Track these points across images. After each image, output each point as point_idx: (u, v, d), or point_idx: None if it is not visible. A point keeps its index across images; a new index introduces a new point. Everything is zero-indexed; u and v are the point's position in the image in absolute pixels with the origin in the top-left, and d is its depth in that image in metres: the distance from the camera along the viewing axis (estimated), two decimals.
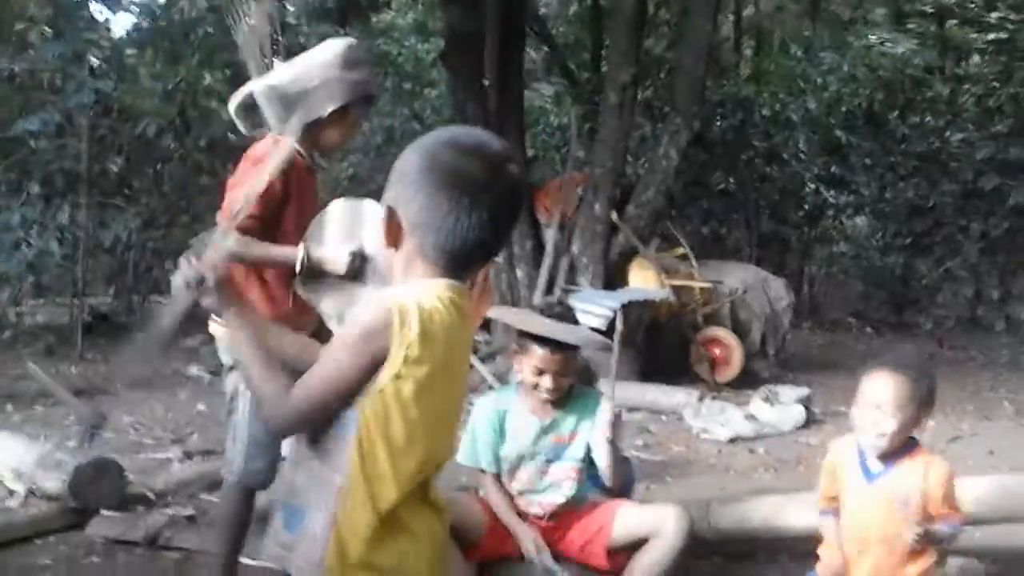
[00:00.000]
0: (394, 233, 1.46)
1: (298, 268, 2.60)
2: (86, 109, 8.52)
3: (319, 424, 1.42)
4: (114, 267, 12.05)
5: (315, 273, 2.62)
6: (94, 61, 9.20)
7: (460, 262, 1.45)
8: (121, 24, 32.52)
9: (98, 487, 3.69)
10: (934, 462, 2.56)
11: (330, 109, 2.68)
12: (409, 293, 1.41)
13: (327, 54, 2.73)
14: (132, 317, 11.61)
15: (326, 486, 1.39)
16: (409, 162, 1.46)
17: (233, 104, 2.81)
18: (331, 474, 1.39)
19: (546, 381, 2.77)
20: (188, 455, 4.82)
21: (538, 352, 2.75)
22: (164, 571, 3.25)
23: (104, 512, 3.66)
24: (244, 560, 3.28)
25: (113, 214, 9.97)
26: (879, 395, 2.53)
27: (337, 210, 2.74)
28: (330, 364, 1.40)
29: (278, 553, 1.44)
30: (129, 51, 10.65)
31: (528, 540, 2.78)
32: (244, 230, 2.50)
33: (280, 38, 2.85)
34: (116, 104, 9.41)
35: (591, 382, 3.34)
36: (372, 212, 2.67)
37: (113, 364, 4.98)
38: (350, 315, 1.44)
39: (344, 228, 2.69)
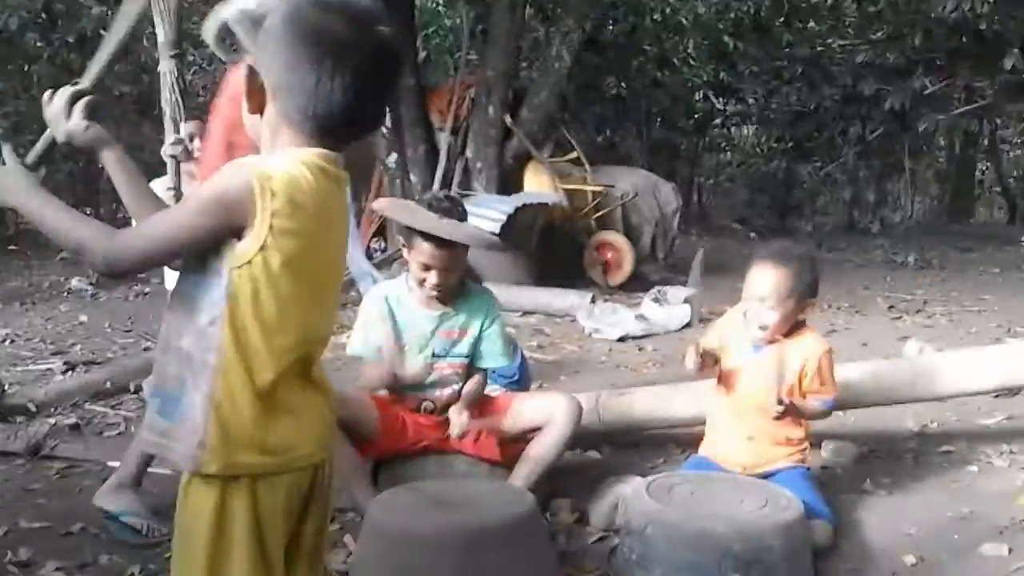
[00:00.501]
0: (256, 97, 1.39)
1: None
2: None
3: (148, 269, 1.40)
4: None
5: None
6: None
7: (328, 129, 1.37)
8: None
9: None
10: (814, 339, 2.71)
11: None
12: (273, 161, 1.35)
13: None
14: (4, 230, 11.05)
15: (200, 367, 1.34)
16: (272, 20, 1.37)
17: (209, 35, 2.67)
18: (203, 354, 1.34)
19: (432, 277, 2.75)
20: (70, 366, 4.66)
21: (424, 247, 2.72)
22: (47, 481, 3.16)
23: None
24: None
25: None
26: (762, 288, 2.64)
27: None
28: (178, 216, 1.35)
29: (157, 442, 1.39)
30: None
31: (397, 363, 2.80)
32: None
33: None
34: None
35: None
36: None
37: None
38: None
39: None
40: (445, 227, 2.70)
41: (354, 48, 1.34)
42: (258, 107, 1.40)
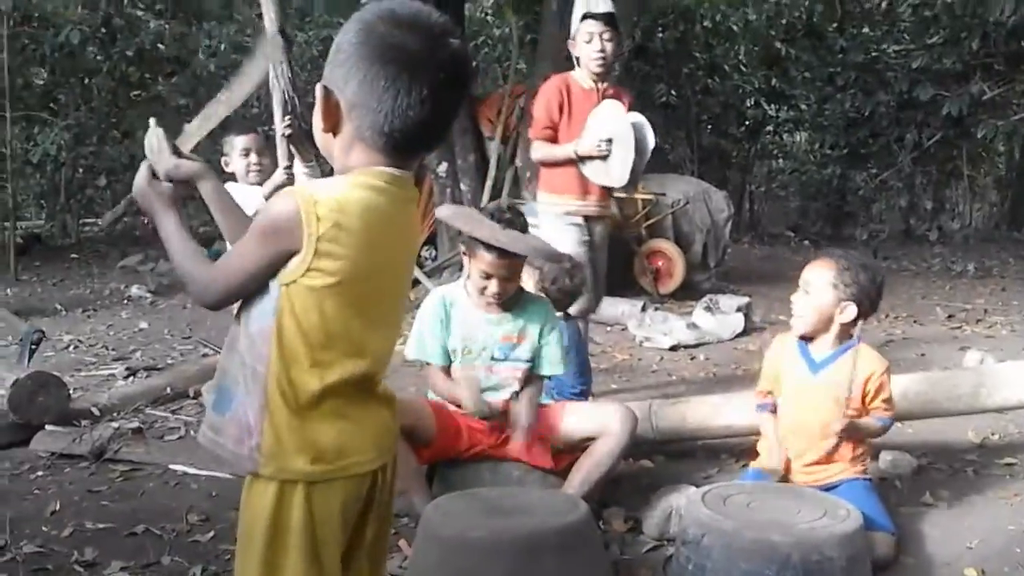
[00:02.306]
0: (332, 116, 1.39)
1: None
2: (4, 17, 8.11)
3: (235, 301, 1.43)
4: (45, 187, 11.72)
5: None
6: None
7: (401, 145, 1.38)
8: None
9: (39, 402, 3.64)
10: (871, 358, 2.68)
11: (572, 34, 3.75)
12: (324, 185, 1.37)
13: None
14: (67, 239, 11.34)
15: (252, 374, 1.39)
16: (344, 38, 1.38)
17: None
18: (254, 362, 1.39)
19: (492, 285, 2.79)
20: (132, 372, 4.77)
21: (486, 257, 2.76)
22: (111, 484, 3.24)
23: (48, 427, 3.63)
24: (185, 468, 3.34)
25: (40, 129, 9.63)
26: (807, 274, 2.68)
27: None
28: (243, 250, 1.39)
29: (210, 438, 1.45)
30: None
31: (468, 396, 2.81)
32: (542, 139, 3.74)
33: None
34: (36, 12, 8.99)
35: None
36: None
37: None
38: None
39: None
40: (507, 238, 2.72)
41: (429, 62, 1.34)
42: (333, 126, 1.40)
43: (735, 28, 12.36)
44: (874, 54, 12.12)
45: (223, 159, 3.86)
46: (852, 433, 2.64)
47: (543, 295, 3.27)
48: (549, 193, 3.84)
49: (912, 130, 11.78)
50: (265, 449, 1.38)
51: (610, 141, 3.64)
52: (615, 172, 3.69)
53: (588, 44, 3.71)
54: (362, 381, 1.44)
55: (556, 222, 3.81)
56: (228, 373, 1.43)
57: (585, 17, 3.71)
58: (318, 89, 1.39)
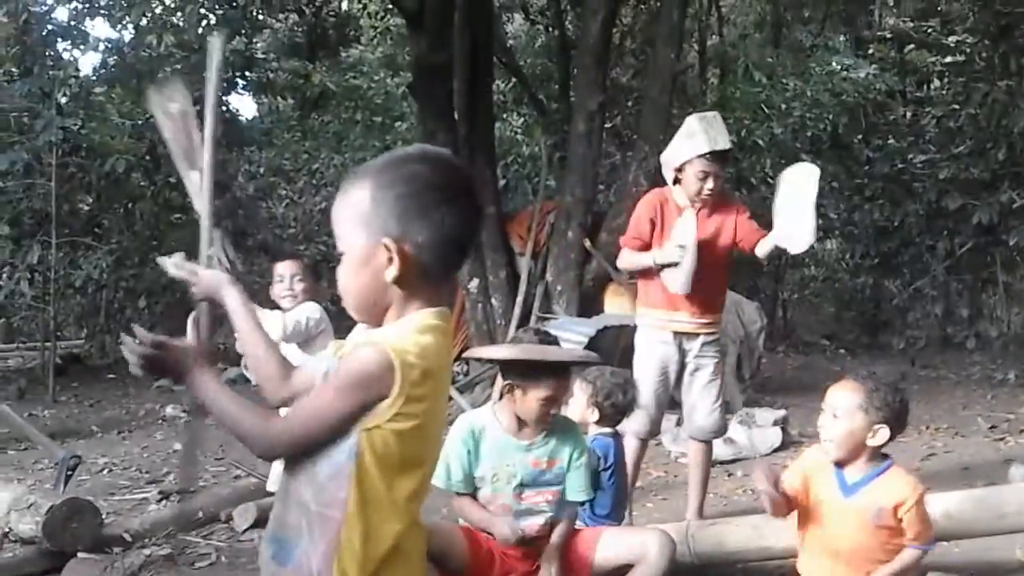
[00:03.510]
0: (406, 266, 1.42)
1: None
2: (54, 147, 8.48)
3: (300, 454, 1.42)
4: (86, 307, 11.97)
5: None
6: (62, 99, 9.18)
7: (451, 267, 1.50)
8: (88, 62, 32.42)
9: (73, 529, 3.64)
10: (907, 481, 2.61)
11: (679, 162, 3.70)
12: (399, 334, 1.41)
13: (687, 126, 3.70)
14: (104, 359, 11.50)
15: (320, 521, 1.39)
16: (382, 194, 1.43)
17: None
18: (324, 510, 1.39)
19: (554, 408, 2.79)
20: (165, 495, 4.76)
21: (550, 382, 2.73)
22: None
23: (81, 554, 3.61)
24: None
25: (84, 253, 9.91)
26: (834, 402, 2.62)
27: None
28: (318, 403, 1.40)
29: None
30: (97, 89, 10.65)
31: (502, 523, 2.76)
32: (630, 248, 3.83)
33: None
34: (84, 143, 9.38)
35: None
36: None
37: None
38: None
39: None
40: (564, 354, 2.74)
41: (460, 189, 1.47)
42: (404, 276, 1.43)
43: (760, 143, 12.55)
44: (900, 165, 12.23)
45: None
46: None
47: (570, 418, 3.22)
48: (641, 306, 3.90)
49: (944, 239, 11.76)
50: None
51: (683, 247, 3.63)
52: (675, 278, 3.69)
53: (702, 181, 3.68)
54: (415, 515, 1.47)
55: (645, 336, 3.82)
56: (287, 523, 1.44)
57: (705, 154, 3.65)
58: (369, 248, 1.43)
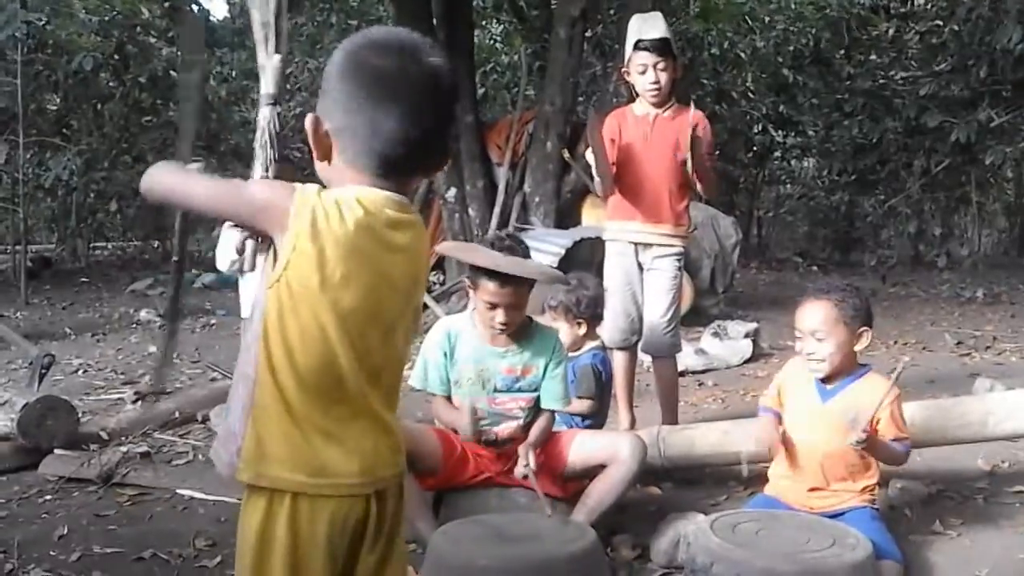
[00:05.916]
0: (321, 144, 1.42)
1: None
2: (18, 43, 8.20)
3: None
4: (56, 211, 11.80)
5: None
6: None
7: (392, 167, 1.40)
8: None
9: (48, 426, 3.66)
10: (882, 385, 2.67)
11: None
12: (327, 190, 1.39)
13: None
14: (76, 263, 11.41)
15: (243, 378, 1.42)
16: (328, 68, 1.42)
17: None
18: (246, 367, 1.41)
19: (499, 315, 2.77)
20: (140, 395, 4.77)
21: (489, 286, 2.74)
22: (119, 508, 3.24)
23: (57, 451, 3.64)
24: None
25: (53, 154, 9.71)
26: (810, 323, 2.66)
27: None
28: (229, 187, 1.42)
29: (214, 450, 1.48)
30: None
31: (461, 417, 2.78)
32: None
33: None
34: (50, 39, 9.09)
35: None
36: None
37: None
38: None
39: None
40: (509, 264, 2.72)
41: (408, 81, 1.37)
42: (325, 154, 1.43)
43: (742, 55, 12.42)
44: (881, 81, 12.16)
45: None
46: (872, 449, 2.61)
47: (555, 327, 3.24)
48: (605, 219, 3.89)
49: (920, 157, 11.78)
50: (245, 453, 1.39)
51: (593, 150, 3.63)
52: (596, 181, 3.76)
53: (642, 75, 3.62)
54: (362, 397, 1.42)
55: (609, 248, 3.82)
56: (234, 383, 1.47)
57: (638, 45, 3.60)
58: (308, 119, 1.42)
